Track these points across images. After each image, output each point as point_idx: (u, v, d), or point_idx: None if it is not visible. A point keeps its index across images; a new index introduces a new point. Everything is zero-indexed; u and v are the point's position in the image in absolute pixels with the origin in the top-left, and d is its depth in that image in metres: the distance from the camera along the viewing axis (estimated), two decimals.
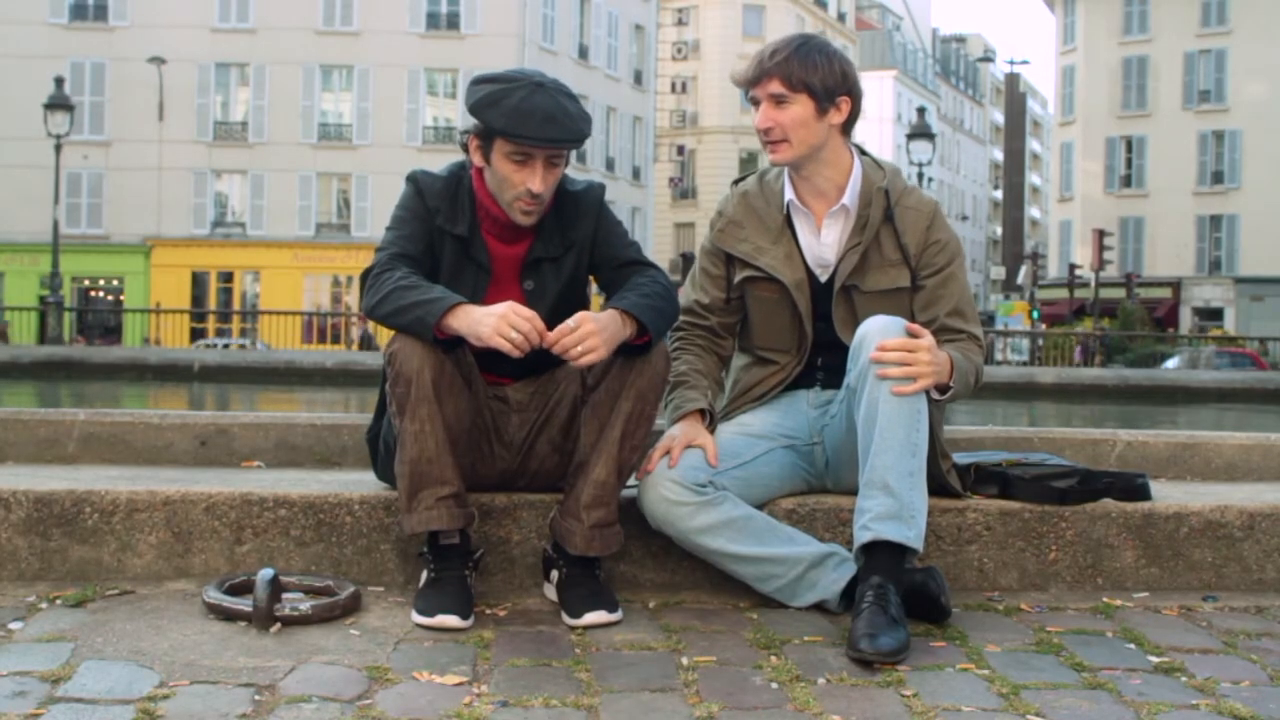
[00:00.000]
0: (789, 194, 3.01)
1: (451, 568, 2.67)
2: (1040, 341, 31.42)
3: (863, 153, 3.05)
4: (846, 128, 2.98)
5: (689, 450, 2.79)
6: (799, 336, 3.01)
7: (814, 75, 2.88)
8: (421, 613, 2.59)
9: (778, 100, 2.90)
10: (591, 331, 2.58)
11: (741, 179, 3.15)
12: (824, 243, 3.00)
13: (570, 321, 2.59)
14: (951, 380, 2.77)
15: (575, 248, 2.89)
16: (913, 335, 2.71)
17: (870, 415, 2.66)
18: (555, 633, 2.58)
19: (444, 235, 2.82)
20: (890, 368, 2.65)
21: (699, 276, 3.11)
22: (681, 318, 3.06)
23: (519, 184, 2.74)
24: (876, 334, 2.70)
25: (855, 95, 2.95)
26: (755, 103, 2.94)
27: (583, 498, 2.70)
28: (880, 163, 3.06)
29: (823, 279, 3.00)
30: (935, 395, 2.76)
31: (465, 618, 2.58)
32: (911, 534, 2.59)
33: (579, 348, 2.57)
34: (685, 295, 3.09)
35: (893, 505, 2.59)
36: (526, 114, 2.68)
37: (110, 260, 38.73)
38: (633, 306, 2.67)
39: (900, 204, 2.99)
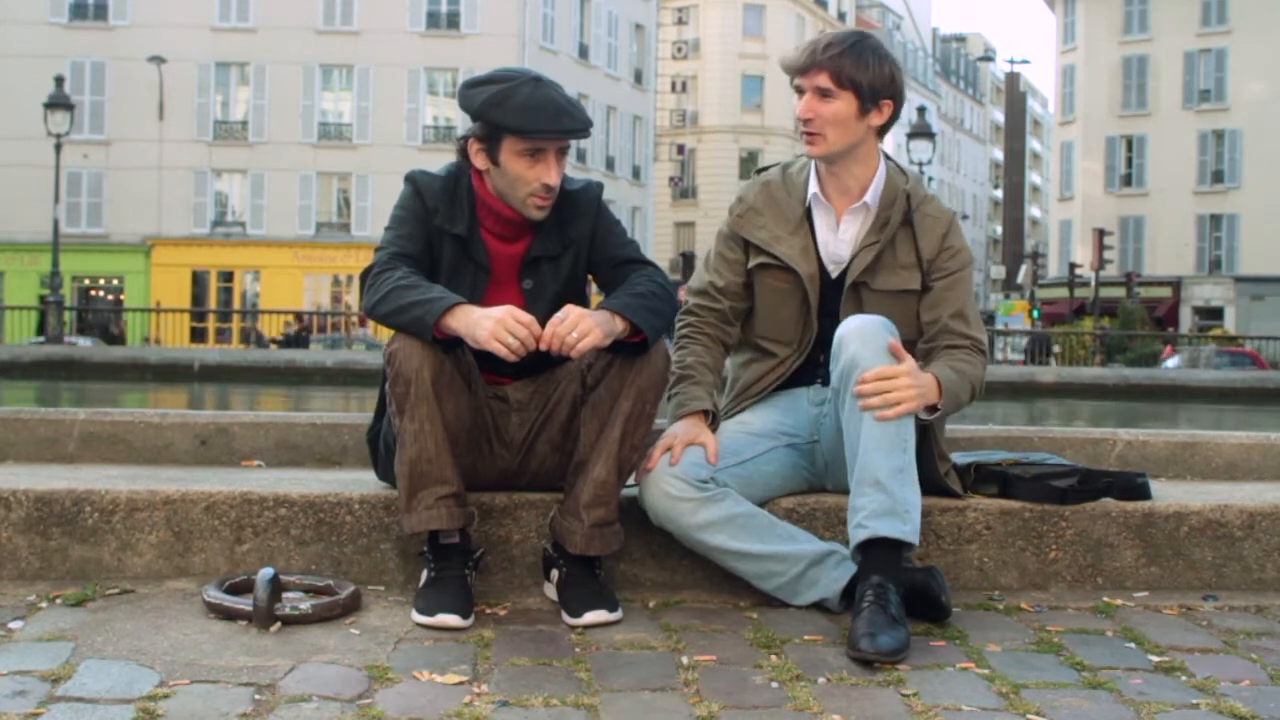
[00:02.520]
0: (813, 187, 3.02)
1: (451, 567, 2.67)
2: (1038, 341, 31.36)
3: (886, 156, 3.07)
4: (883, 130, 2.99)
5: (690, 447, 2.79)
6: (803, 330, 3.01)
7: (863, 75, 2.89)
8: (422, 612, 2.59)
9: (823, 93, 2.90)
10: (581, 314, 2.59)
11: (765, 168, 3.16)
12: (841, 239, 3.01)
13: (558, 314, 2.60)
14: (940, 402, 2.78)
15: (573, 246, 2.89)
16: (894, 351, 2.70)
17: (854, 414, 2.67)
18: (555, 632, 2.58)
19: (443, 235, 2.82)
20: (872, 399, 2.64)
21: (715, 260, 3.10)
22: (694, 301, 3.07)
23: (533, 180, 2.75)
24: (854, 334, 2.72)
25: (899, 100, 2.96)
26: (800, 91, 2.94)
27: (583, 497, 2.70)
28: (902, 168, 3.07)
29: (834, 275, 3.01)
30: (923, 416, 2.76)
31: (465, 617, 2.59)
32: (907, 529, 2.59)
33: (574, 333, 2.57)
34: (699, 278, 3.10)
35: (886, 502, 2.59)
36: (537, 109, 2.69)
37: (110, 260, 38.73)
38: (624, 306, 2.67)
39: (920, 210, 3.00)
